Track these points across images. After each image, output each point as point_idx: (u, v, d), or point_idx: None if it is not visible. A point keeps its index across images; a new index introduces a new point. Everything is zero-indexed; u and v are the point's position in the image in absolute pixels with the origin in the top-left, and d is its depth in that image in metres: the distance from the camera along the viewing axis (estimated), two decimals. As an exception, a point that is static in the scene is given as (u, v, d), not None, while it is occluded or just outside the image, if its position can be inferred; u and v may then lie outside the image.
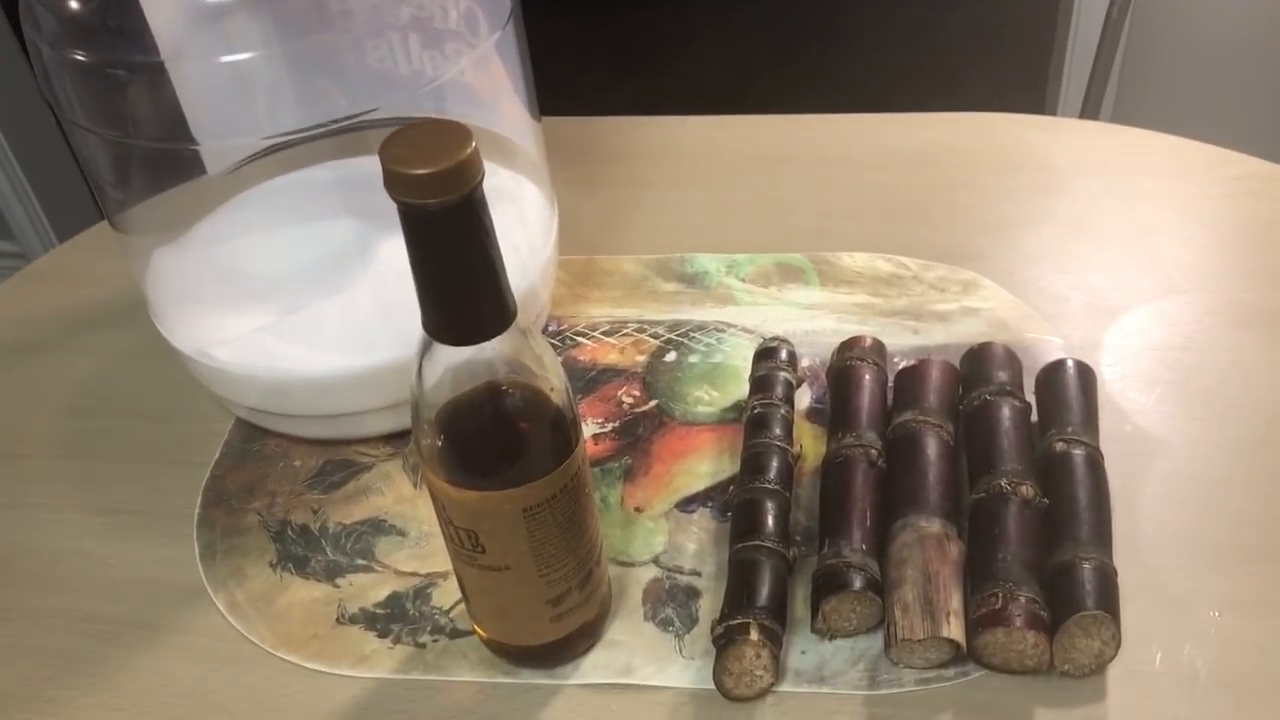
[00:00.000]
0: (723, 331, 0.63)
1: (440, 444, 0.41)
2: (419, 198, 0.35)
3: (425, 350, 0.40)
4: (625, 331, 0.64)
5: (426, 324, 0.39)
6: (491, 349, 0.40)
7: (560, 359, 0.62)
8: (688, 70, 2.44)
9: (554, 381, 0.42)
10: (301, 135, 0.57)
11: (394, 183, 0.35)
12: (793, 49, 2.42)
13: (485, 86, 0.62)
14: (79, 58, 0.48)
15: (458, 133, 0.36)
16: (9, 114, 1.79)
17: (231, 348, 0.56)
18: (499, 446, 0.42)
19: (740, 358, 0.61)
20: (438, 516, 0.44)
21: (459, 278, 0.37)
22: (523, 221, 0.62)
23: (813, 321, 0.63)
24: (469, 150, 0.35)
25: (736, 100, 2.29)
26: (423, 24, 0.60)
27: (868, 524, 0.49)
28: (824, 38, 2.43)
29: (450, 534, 0.44)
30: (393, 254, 0.58)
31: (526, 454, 0.42)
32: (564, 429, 0.42)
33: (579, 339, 0.64)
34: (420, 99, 0.59)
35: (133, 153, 0.55)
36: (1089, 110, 1.30)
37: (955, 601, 0.46)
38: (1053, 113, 1.56)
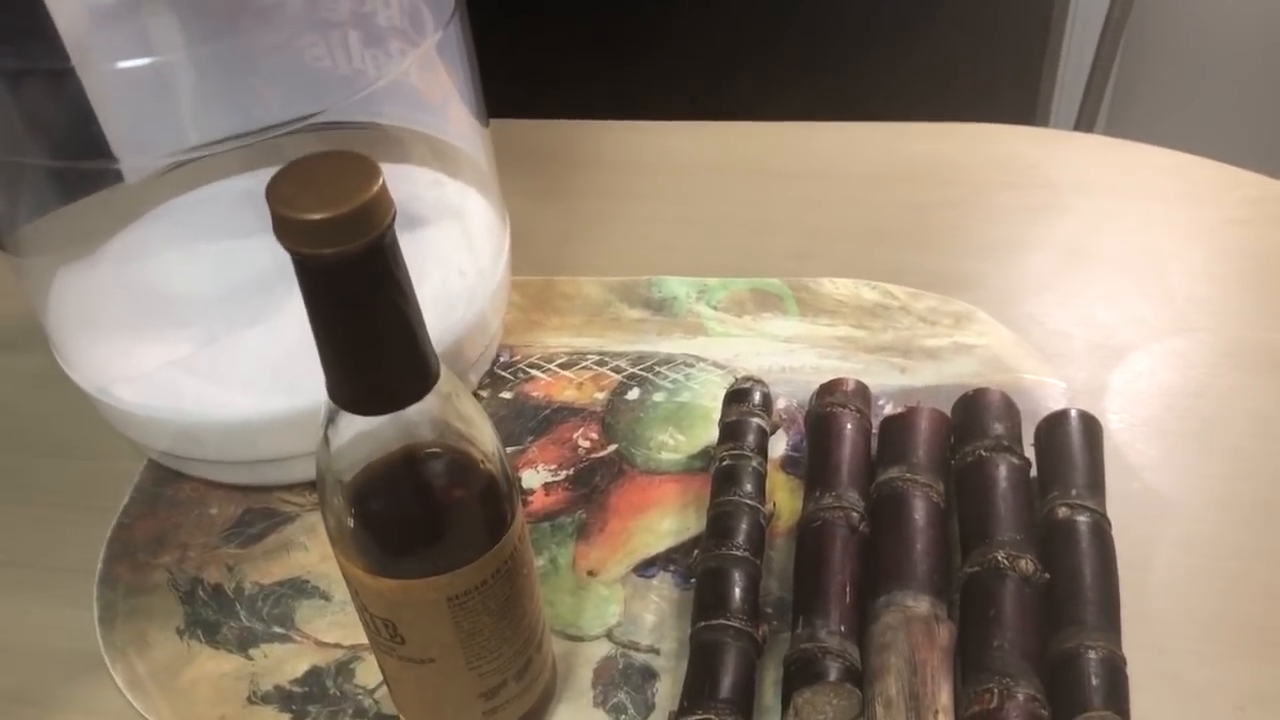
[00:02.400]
0: (691, 366, 0.57)
1: (351, 524, 0.36)
2: (313, 247, 0.29)
3: (331, 418, 0.34)
4: (584, 364, 0.58)
5: (331, 391, 0.33)
6: (410, 414, 0.34)
7: (512, 394, 0.56)
8: (669, 59, 2.37)
9: (485, 446, 0.36)
10: (230, 147, 0.51)
11: (283, 229, 0.29)
12: (776, 38, 2.36)
13: (429, 88, 0.56)
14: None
15: (361, 168, 0.29)
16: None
17: (137, 385, 0.50)
18: (419, 528, 0.36)
19: (709, 397, 0.55)
20: (352, 600, 0.38)
21: (367, 339, 0.32)
22: (469, 241, 0.56)
23: (790, 356, 0.57)
24: (374, 190, 0.29)
25: (719, 90, 2.23)
26: (363, 20, 0.54)
27: (847, 600, 0.43)
28: (809, 28, 2.37)
29: (366, 620, 0.38)
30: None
31: (452, 536, 0.36)
32: (497, 502, 0.37)
33: (532, 372, 0.58)
34: (359, 102, 0.53)
35: (32, 172, 0.49)
36: (1085, 116, 1.24)
37: (944, 696, 0.40)
38: (1046, 106, 1.50)
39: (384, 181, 0.29)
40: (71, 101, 0.48)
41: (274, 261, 0.56)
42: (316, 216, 0.28)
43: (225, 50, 0.50)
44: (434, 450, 0.35)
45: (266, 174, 0.59)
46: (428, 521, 0.36)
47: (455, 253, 0.56)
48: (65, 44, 0.47)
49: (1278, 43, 1.29)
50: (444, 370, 0.34)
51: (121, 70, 0.47)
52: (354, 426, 0.34)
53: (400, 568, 0.36)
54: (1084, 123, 1.25)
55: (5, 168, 0.48)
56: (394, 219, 0.30)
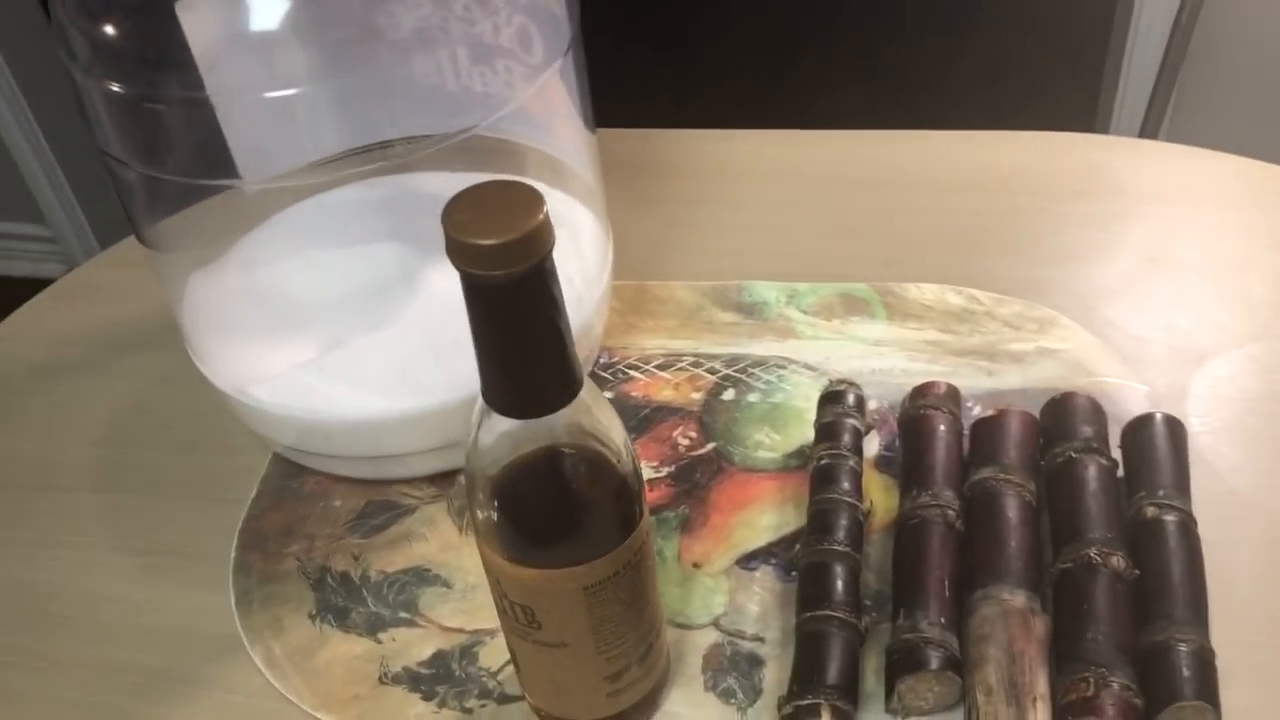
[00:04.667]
0: (783, 368, 0.60)
1: (495, 517, 0.39)
2: (484, 269, 0.32)
3: (482, 419, 0.37)
4: (680, 365, 0.61)
5: (487, 395, 0.36)
6: (554, 417, 0.37)
7: (612, 394, 0.59)
8: (728, 49, 2.39)
9: (619, 449, 0.39)
10: (357, 170, 0.55)
11: (457, 252, 0.32)
12: (833, 30, 2.37)
13: (541, 108, 0.59)
14: (114, 89, 0.45)
15: (527, 197, 0.32)
16: (38, 91, 1.77)
17: (270, 386, 0.53)
18: (559, 522, 0.39)
19: (803, 398, 0.58)
20: (491, 589, 0.41)
21: (523, 350, 0.35)
22: (578, 251, 0.59)
23: (880, 360, 0.60)
24: (540, 218, 0.32)
25: (777, 80, 2.24)
26: (473, 40, 0.56)
27: (945, 594, 0.46)
28: (866, 21, 2.38)
29: (504, 607, 0.41)
30: (441, 284, 0.55)
31: (589, 529, 0.39)
32: (629, 500, 0.40)
33: (631, 373, 0.61)
34: (471, 118, 0.56)
35: (168, 186, 0.52)
36: (1150, 122, 1.25)
37: (1042, 685, 0.43)
38: (1107, 109, 1.51)
39: (547, 211, 0.32)
40: (200, 122, 0.52)
41: (392, 267, 0.60)
42: (488, 242, 0.31)
43: (349, 78, 0.54)
44: (573, 450, 0.38)
45: (378, 182, 0.63)
46: (567, 516, 0.39)
47: (565, 261, 0.58)
48: (201, 73, 0.50)
49: None
50: (585, 379, 0.37)
51: (255, 99, 0.51)
52: (501, 427, 0.37)
53: (540, 558, 0.39)
54: (1148, 128, 1.26)
55: (149, 180, 0.52)
56: (553, 244, 0.33)
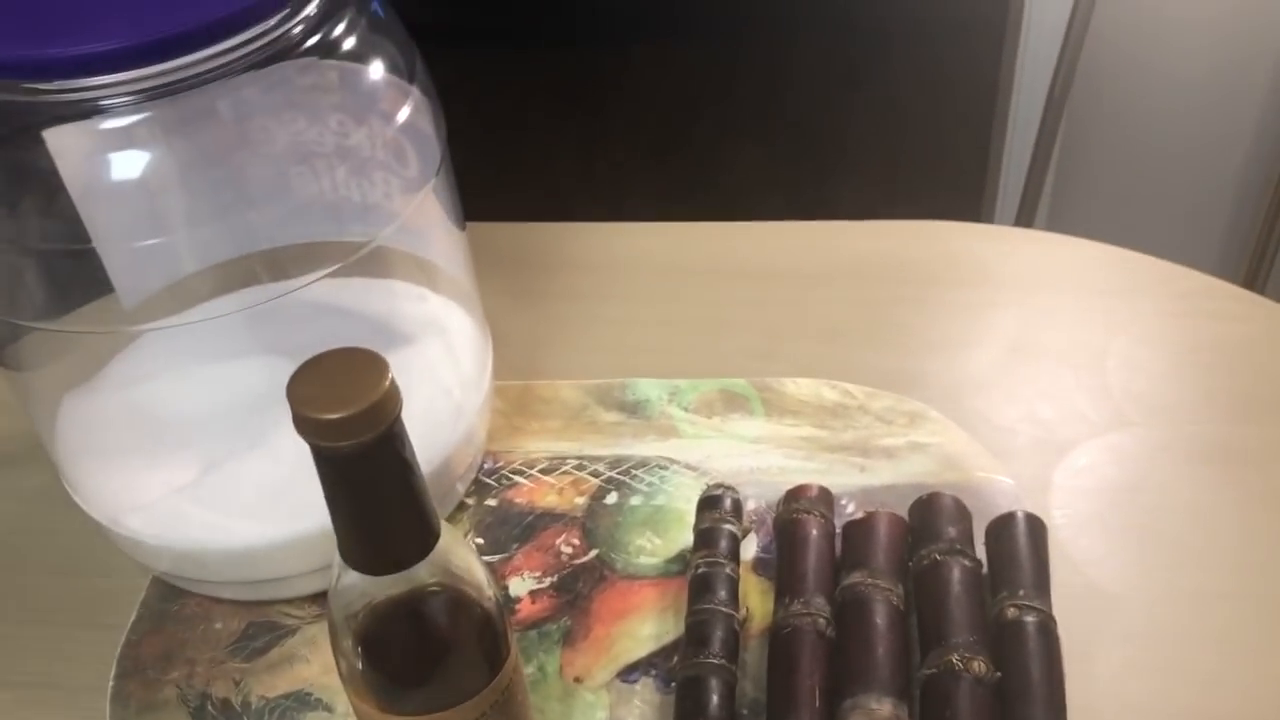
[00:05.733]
0: (665, 469, 0.61)
1: (360, 666, 0.39)
2: (332, 440, 0.32)
3: (341, 571, 0.37)
4: (565, 469, 0.61)
5: (344, 554, 0.36)
6: (412, 569, 0.37)
7: (496, 501, 0.60)
8: (630, 108, 2.42)
9: (481, 587, 0.40)
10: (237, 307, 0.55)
11: (304, 426, 0.32)
12: (734, 86, 2.41)
13: (415, 217, 0.59)
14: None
15: (371, 365, 0.33)
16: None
17: (145, 514, 0.53)
18: (424, 667, 0.39)
19: (683, 499, 0.59)
20: (361, 732, 0.41)
21: (376, 512, 0.35)
22: (454, 358, 0.60)
23: (758, 458, 0.61)
24: (385, 386, 0.32)
25: (680, 138, 2.28)
26: (347, 153, 0.57)
27: (815, 704, 0.47)
28: (766, 75, 2.43)
29: (376, 750, 0.41)
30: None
31: (455, 672, 0.39)
32: (493, 639, 0.40)
33: (515, 478, 0.61)
34: (350, 227, 0.57)
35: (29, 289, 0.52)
36: (1025, 209, 1.30)
37: (908, 795, 0.44)
38: (996, 170, 1.56)
39: (392, 377, 0.33)
40: (72, 265, 0.51)
41: (266, 383, 0.59)
42: (334, 416, 0.32)
43: (221, 182, 0.54)
44: (435, 591, 0.39)
45: (254, 291, 0.62)
46: (431, 661, 0.39)
47: (441, 370, 0.59)
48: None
49: (1209, 144, 1.36)
50: (443, 524, 0.38)
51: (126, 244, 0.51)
52: (363, 583, 0.37)
53: (408, 704, 0.39)
54: (1024, 215, 1.31)
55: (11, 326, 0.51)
56: (400, 409, 0.33)
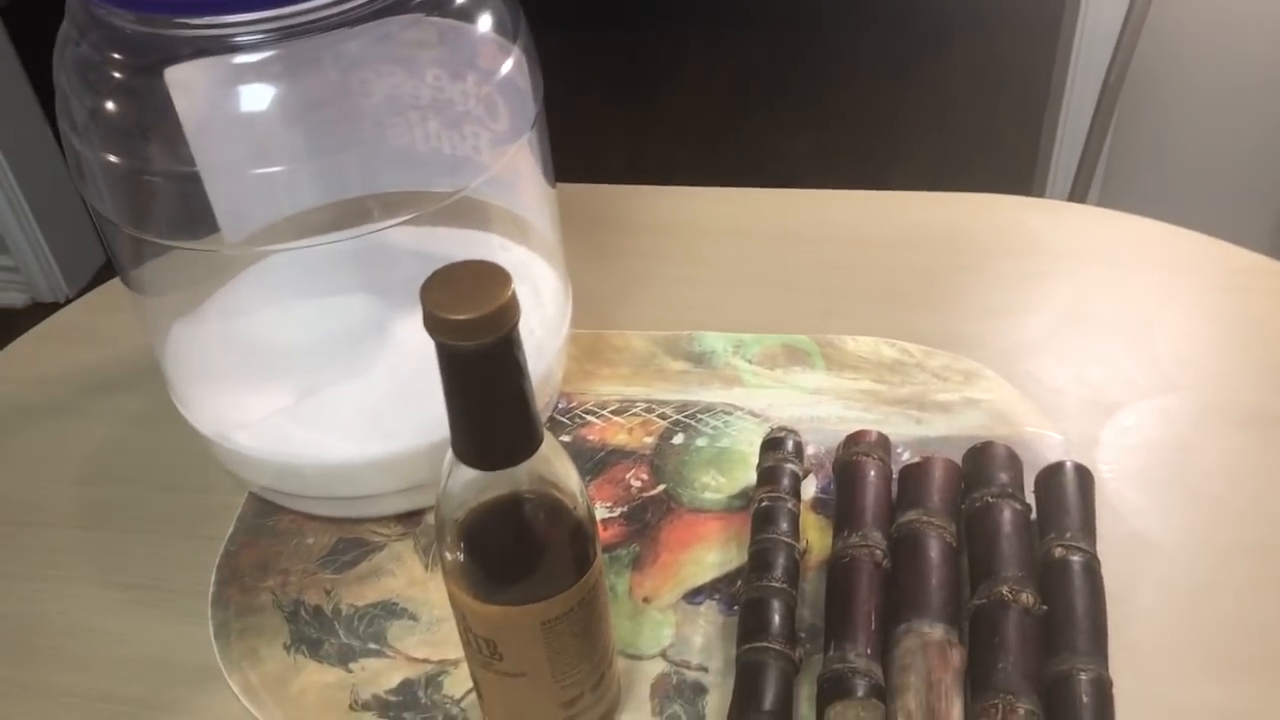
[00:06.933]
0: (729, 414, 0.64)
1: (462, 559, 0.43)
2: (457, 340, 0.36)
3: (452, 469, 0.41)
4: (634, 411, 0.65)
5: (456, 448, 0.40)
6: (516, 469, 0.41)
7: (570, 438, 0.63)
8: (682, 97, 2.45)
9: (575, 496, 0.43)
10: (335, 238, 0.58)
11: (434, 325, 0.36)
12: (787, 78, 2.44)
13: (507, 171, 0.63)
14: (110, 159, 0.49)
15: (496, 277, 0.37)
16: (9, 132, 1.79)
17: (249, 431, 0.57)
18: (520, 562, 0.43)
19: (746, 443, 0.62)
20: (457, 623, 0.45)
21: (490, 410, 0.39)
22: (539, 303, 0.64)
23: (818, 407, 0.64)
24: (507, 296, 0.36)
25: (731, 128, 2.31)
26: (442, 107, 0.61)
27: (872, 627, 0.50)
28: (819, 63, 2.46)
29: (469, 640, 0.45)
30: (409, 335, 0.59)
31: (547, 570, 0.43)
32: (583, 543, 0.44)
33: (588, 417, 0.65)
34: (440, 178, 0.60)
35: (152, 245, 0.56)
36: (1079, 184, 1.32)
37: (956, 710, 0.47)
38: (1046, 162, 1.58)
39: (514, 289, 0.36)
40: (187, 191, 0.55)
41: (364, 318, 0.64)
42: (462, 317, 0.36)
43: (324, 130, 0.57)
44: (533, 497, 0.42)
45: (351, 233, 0.66)
46: (527, 557, 0.43)
47: (528, 313, 0.62)
48: (190, 145, 0.54)
49: (1263, 125, 1.38)
50: (545, 433, 0.41)
51: (237, 173, 0.54)
52: (468, 476, 0.41)
53: (503, 596, 0.43)
54: (1080, 184, 1.33)
55: (130, 238, 0.55)
56: (519, 318, 0.37)
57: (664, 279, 0.74)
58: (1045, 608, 0.50)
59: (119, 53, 0.49)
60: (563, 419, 0.65)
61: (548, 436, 0.41)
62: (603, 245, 0.76)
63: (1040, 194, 1.59)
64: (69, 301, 1.97)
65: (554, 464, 0.42)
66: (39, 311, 1.96)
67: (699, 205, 0.80)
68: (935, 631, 0.50)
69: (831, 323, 0.69)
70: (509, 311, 0.36)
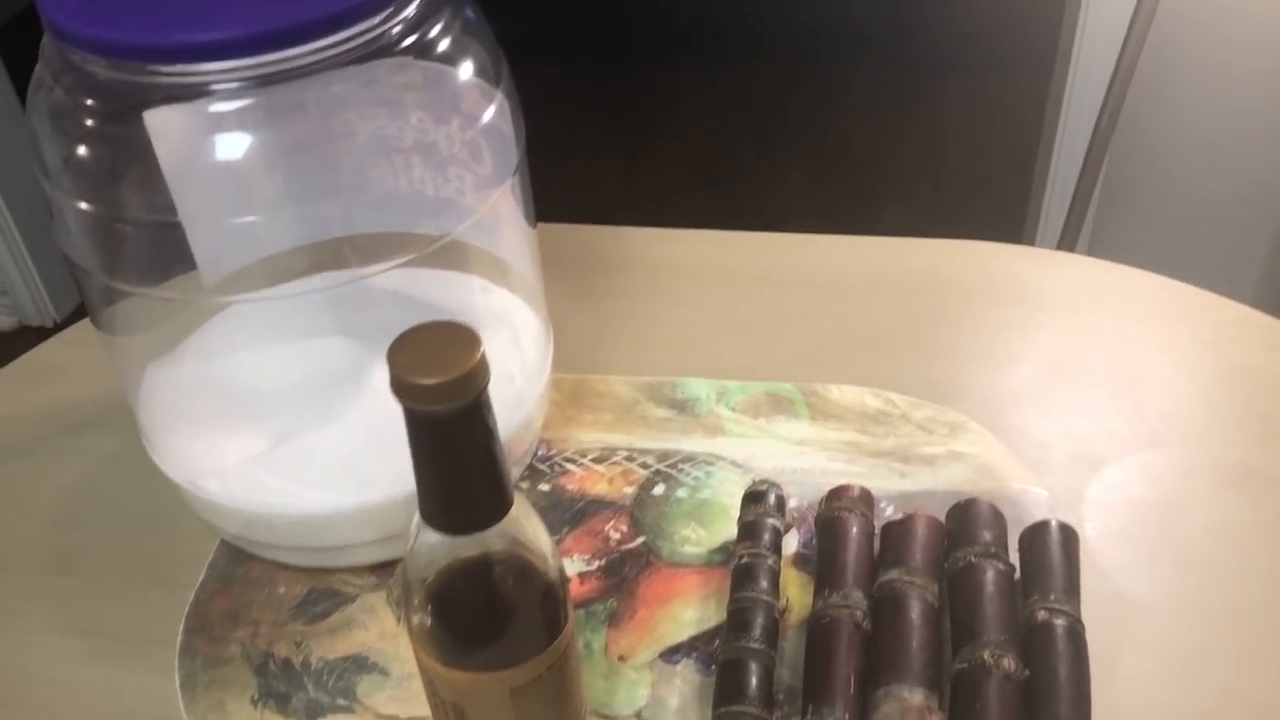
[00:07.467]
0: (711, 465, 0.63)
1: (429, 622, 0.42)
2: (425, 404, 0.35)
3: (419, 531, 0.40)
4: (614, 460, 0.64)
5: (424, 511, 0.39)
6: (485, 532, 0.40)
7: (549, 487, 0.62)
8: (677, 130, 2.46)
9: (546, 558, 0.42)
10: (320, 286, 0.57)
11: (401, 389, 0.35)
12: (782, 112, 2.44)
13: (488, 214, 0.62)
14: (83, 207, 0.48)
15: (465, 340, 0.36)
16: (4, 170, 1.78)
17: (221, 479, 0.56)
18: (488, 627, 0.42)
19: (728, 494, 0.61)
20: (424, 687, 0.44)
21: (458, 474, 0.38)
22: (518, 348, 0.63)
23: (801, 458, 0.63)
24: (476, 358, 0.35)
25: (725, 163, 2.31)
26: (425, 149, 0.60)
27: (850, 691, 0.49)
28: (814, 102, 2.46)
29: (436, 704, 0.44)
30: (385, 381, 0.58)
31: (516, 634, 0.42)
32: (554, 606, 0.43)
33: (568, 465, 0.64)
34: (424, 220, 0.59)
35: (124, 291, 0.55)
36: (1069, 233, 1.32)
37: (936, 779, 0.46)
38: (1037, 208, 1.59)
39: (484, 351, 0.36)
40: (164, 238, 0.54)
41: (340, 362, 0.63)
42: (430, 382, 0.35)
43: (304, 170, 0.57)
44: (502, 559, 0.41)
45: (328, 276, 0.65)
46: (495, 622, 0.42)
47: (506, 358, 0.62)
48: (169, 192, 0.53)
49: (1249, 181, 1.38)
50: (516, 495, 0.40)
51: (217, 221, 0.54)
52: (437, 539, 0.40)
53: (470, 661, 0.42)
54: (1067, 239, 1.33)
55: (107, 288, 0.54)
56: (488, 380, 0.36)
57: (647, 321, 0.73)
58: (1027, 673, 0.49)
59: (93, 99, 0.49)
60: (542, 466, 0.64)
61: (518, 497, 0.40)
62: (587, 286, 0.75)
63: (1033, 234, 1.59)
64: (56, 325, 1.96)
65: (524, 526, 0.41)
66: (26, 335, 1.95)
67: (684, 247, 0.79)
68: (915, 697, 0.49)
69: (817, 370, 0.68)
70: (477, 375, 0.35)
